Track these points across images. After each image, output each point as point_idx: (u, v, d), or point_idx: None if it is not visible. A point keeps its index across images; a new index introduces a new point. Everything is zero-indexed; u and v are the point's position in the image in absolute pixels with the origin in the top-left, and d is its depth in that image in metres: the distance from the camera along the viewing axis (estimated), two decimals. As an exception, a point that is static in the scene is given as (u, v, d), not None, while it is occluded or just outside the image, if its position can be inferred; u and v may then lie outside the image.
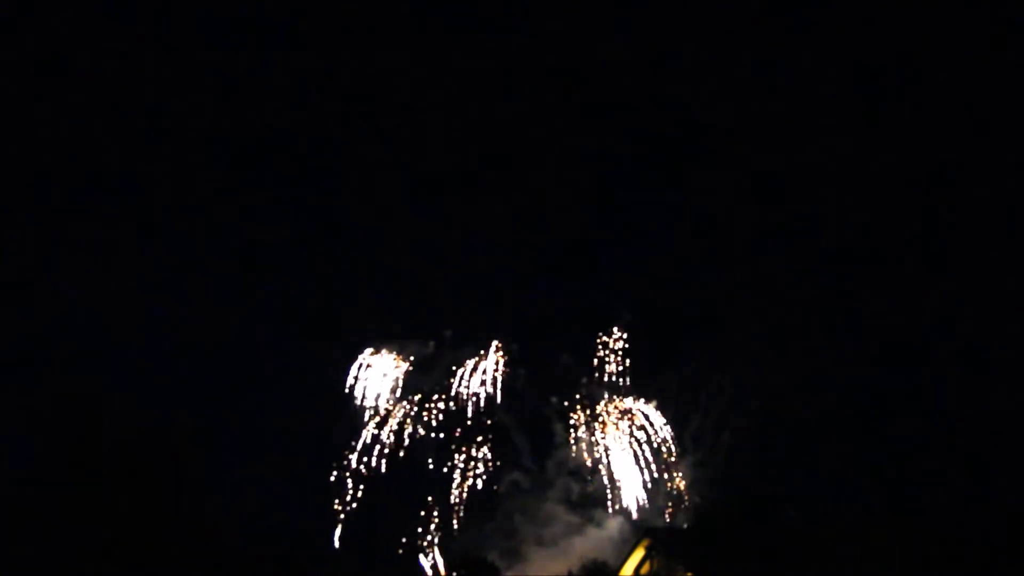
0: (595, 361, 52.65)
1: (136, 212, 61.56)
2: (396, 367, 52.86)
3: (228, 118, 69.54)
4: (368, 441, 51.49)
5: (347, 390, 52.17)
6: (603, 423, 51.75)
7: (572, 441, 51.57)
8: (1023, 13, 61.54)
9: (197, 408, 46.83)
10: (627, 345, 52.71)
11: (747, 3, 72.77)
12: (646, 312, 54.93)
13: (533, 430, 52.05)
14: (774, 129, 67.55)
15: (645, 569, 41.41)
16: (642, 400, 51.90)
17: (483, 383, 52.12)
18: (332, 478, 50.30)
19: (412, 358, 52.91)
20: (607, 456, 51.16)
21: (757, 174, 62.00)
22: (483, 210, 64.94)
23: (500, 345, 52.64)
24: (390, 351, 52.85)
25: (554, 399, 52.42)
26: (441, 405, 51.99)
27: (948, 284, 53.61)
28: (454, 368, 52.40)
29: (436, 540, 49.76)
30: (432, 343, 52.84)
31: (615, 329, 52.87)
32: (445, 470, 50.96)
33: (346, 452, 51.11)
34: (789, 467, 44.75)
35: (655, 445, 50.96)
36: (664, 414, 51.51)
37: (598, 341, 52.68)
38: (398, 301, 57.90)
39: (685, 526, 44.05)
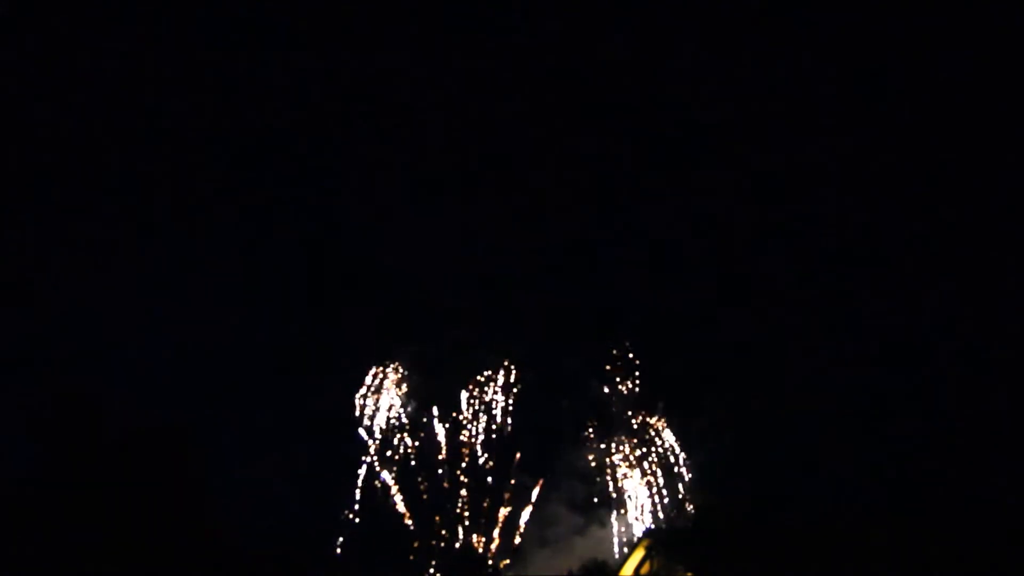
0: (604, 365, 52.93)
1: (136, 212, 61.59)
2: (402, 370, 52.90)
3: (228, 118, 69.59)
4: (373, 445, 51.61)
5: (351, 391, 52.33)
6: (610, 428, 51.94)
7: (579, 444, 51.76)
8: (1023, 13, 61.47)
9: (197, 408, 46.92)
10: (633, 355, 53.00)
11: (747, 3, 72.79)
12: (647, 312, 55.09)
13: (540, 432, 52.20)
14: (774, 129, 67.54)
15: (645, 569, 41.39)
16: (648, 409, 52.12)
17: (492, 389, 52.24)
18: (335, 480, 50.49)
19: (417, 361, 53.01)
20: (612, 459, 51.28)
21: (757, 174, 62.05)
22: (483, 210, 65.03)
23: (507, 348, 52.84)
24: (395, 363, 52.91)
25: (564, 402, 52.61)
26: (447, 408, 52.18)
27: (948, 284, 53.63)
28: (460, 371, 52.53)
29: (440, 544, 49.83)
30: (438, 346, 52.98)
31: (622, 336, 53.25)
32: (450, 474, 51.14)
33: (350, 456, 51.28)
34: (789, 467, 44.76)
35: (660, 449, 51.11)
36: (668, 415, 51.71)
37: (607, 350, 52.95)
38: (400, 302, 57.95)
39: (685, 526, 44.08)
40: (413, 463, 51.18)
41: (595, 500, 50.64)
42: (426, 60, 73.03)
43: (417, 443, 51.54)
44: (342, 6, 73.91)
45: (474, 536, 49.72)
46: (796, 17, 66.48)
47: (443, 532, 49.90)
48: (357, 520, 49.64)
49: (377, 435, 51.61)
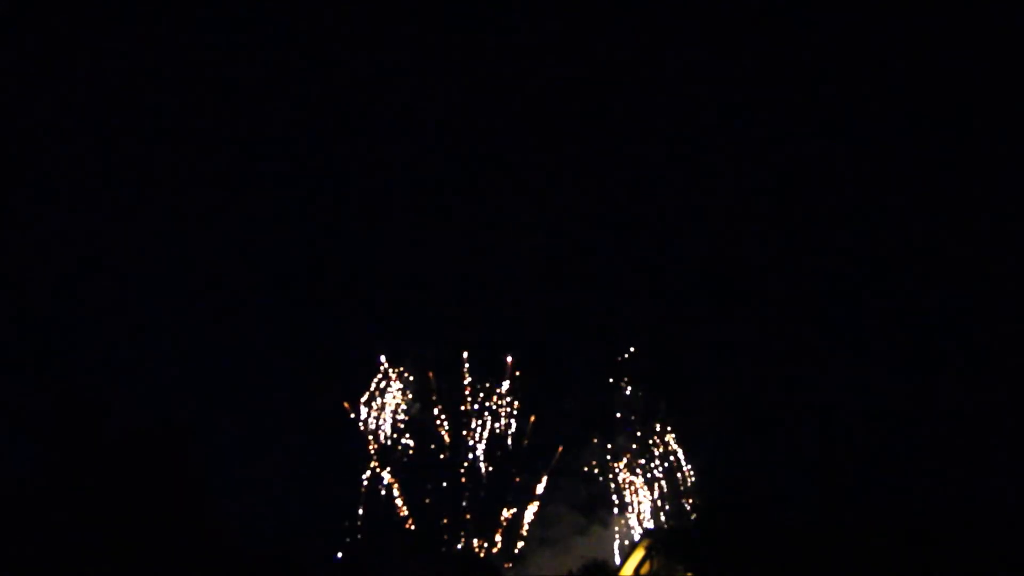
0: (606, 366, 52.96)
1: (136, 212, 61.60)
2: (404, 372, 52.88)
3: (228, 118, 69.59)
4: (374, 447, 51.60)
5: (351, 391, 52.30)
6: (612, 428, 51.96)
7: (581, 444, 51.73)
8: (1023, 13, 61.46)
9: (197, 408, 46.85)
10: (634, 356, 53.02)
11: (747, 3, 72.81)
12: (647, 313, 55.13)
13: (543, 433, 52.16)
14: (774, 129, 67.57)
15: (645, 569, 41.39)
16: (650, 410, 52.14)
17: (495, 391, 52.24)
18: (336, 481, 50.48)
19: (419, 362, 52.98)
20: (614, 459, 51.29)
21: (758, 173, 62.10)
22: (483, 210, 65.09)
23: (509, 348, 52.83)
24: (396, 364, 52.87)
25: (566, 402, 52.59)
26: (450, 410, 52.14)
27: (948, 284, 53.62)
28: (464, 371, 52.54)
29: (442, 548, 49.79)
30: (440, 347, 52.95)
31: (624, 337, 53.31)
32: (453, 476, 51.16)
33: (352, 457, 51.28)
34: (789, 467, 44.73)
35: (661, 450, 51.16)
36: (669, 416, 51.74)
37: (608, 350, 53.01)
38: (400, 302, 58.01)
39: (686, 526, 44.06)
40: (416, 465, 51.20)
41: (596, 500, 50.66)
42: (426, 60, 73.12)
43: (420, 445, 51.56)
44: (342, 6, 74.05)
45: (475, 540, 49.71)
46: (796, 17, 66.56)
47: (445, 536, 49.89)
48: (359, 522, 49.67)
49: (380, 437, 51.65)
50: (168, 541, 30.22)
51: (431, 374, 52.48)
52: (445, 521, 50.08)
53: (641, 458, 51.10)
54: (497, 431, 51.63)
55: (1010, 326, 49.63)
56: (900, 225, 58.17)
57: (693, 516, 44.71)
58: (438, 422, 51.67)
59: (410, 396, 52.32)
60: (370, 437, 51.48)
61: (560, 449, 50.39)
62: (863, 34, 65.54)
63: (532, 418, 51.16)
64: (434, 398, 52.15)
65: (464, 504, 50.35)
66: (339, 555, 48.32)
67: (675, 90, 70.22)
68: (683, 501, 49.59)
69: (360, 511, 49.96)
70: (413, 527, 50.01)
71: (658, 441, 51.27)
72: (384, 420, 51.78)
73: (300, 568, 37.64)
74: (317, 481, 49.63)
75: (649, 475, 50.62)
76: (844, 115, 65.01)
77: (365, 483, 50.55)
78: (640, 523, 49.69)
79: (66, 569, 29.04)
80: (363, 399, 51.87)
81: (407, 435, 51.70)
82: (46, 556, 28.96)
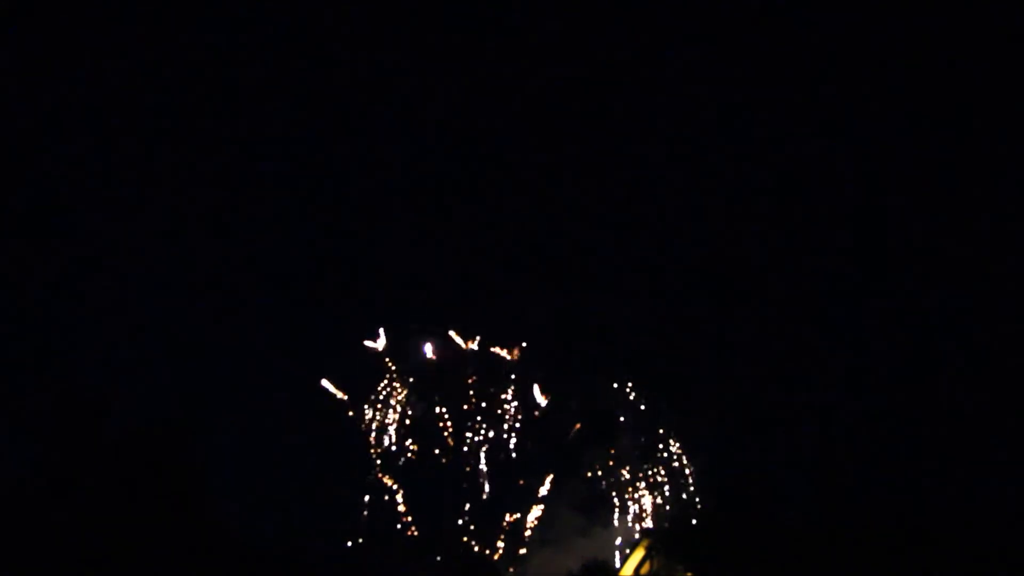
0: (608, 366, 53.05)
1: (136, 212, 61.59)
2: (406, 372, 52.93)
3: (228, 118, 69.60)
4: (375, 450, 51.57)
5: (352, 392, 52.32)
6: (613, 428, 51.97)
7: (583, 444, 51.76)
8: (1023, 13, 61.41)
9: (197, 408, 46.78)
10: (636, 356, 53.21)
11: (747, 3, 72.80)
12: (647, 313, 55.23)
13: (545, 433, 52.16)
14: (774, 129, 67.57)
15: (645, 569, 41.41)
16: (651, 411, 52.21)
17: (499, 395, 52.23)
18: (338, 482, 50.47)
19: (420, 364, 53.00)
20: (615, 460, 51.31)
21: (758, 173, 62.13)
22: (483, 210, 65.16)
23: (511, 350, 52.82)
24: (399, 365, 52.89)
25: (569, 403, 52.64)
26: (453, 412, 52.17)
27: (948, 284, 53.60)
28: (466, 371, 52.54)
29: (445, 550, 49.81)
30: (442, 348, 52.95)
31: (625, 337, 53.46)
32: (455, 478, 51.16)
33: (353, 459, 51.29)
34: (789, 467, 44.76)
35: (663, 454, 51.20)
36: (670, 417, 51.80)
37: (610, 351, 53.16)
38: (401, 302, 58.04)
39: (686, 526, 44.10)
40: (418, 467, 51.19)
41: (597, 500, 50.65)
42: (426, 60, 73.15)
43: (422, 447, 51.55)
44: (342, 6, 74.11)
45: (477, 545, 49.67)
46: (796, 17, 66.56)
47: (447, 540, 49.85)
48: (361, 525, 49.67)
49: (384, 440, 51.64)
50: (168, 541, 30.23)
51: (432, 375, 52.59)
52: (445, 528, 50.05)
53: (643, 461, 51.13)
54: (499, 433, 51.66)
55: (1010, 326, 49.62)
56: (900, 225, 58.14)
57: (693, 516, 44.83)
58: (440, 424, 51.68)
59: (414, 399, 52.37)
60: (372, 439, 51.51)
61: (577, 426, 50.27)
62: (863, 34, 65.48)
63: (543, 394, 51.05)
64: (436, 399, 52.19)
65: (467, 507, 50.33)
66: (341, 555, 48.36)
67: (675, 90, 70.23)
68: (683, 500, 49.63)
69: (364, 512, 49.99)
70: (415, 531, 50.01)
71: (660, 445, 51.30)
72: (388, 421, 51.81)
73: (301, 568, 37.65)
74: (318, 481, 49.66)
75: (652, 479, 50.64)
76: (844, 115, 64.98)
77: (366, 485, 50.58)
78: (640, 523, 49.70)
79: (66, 569, 29.04)
80: (370, 399, 51.95)
81: (409, 439, 51.72)
82: (46, 556, 28.97)
